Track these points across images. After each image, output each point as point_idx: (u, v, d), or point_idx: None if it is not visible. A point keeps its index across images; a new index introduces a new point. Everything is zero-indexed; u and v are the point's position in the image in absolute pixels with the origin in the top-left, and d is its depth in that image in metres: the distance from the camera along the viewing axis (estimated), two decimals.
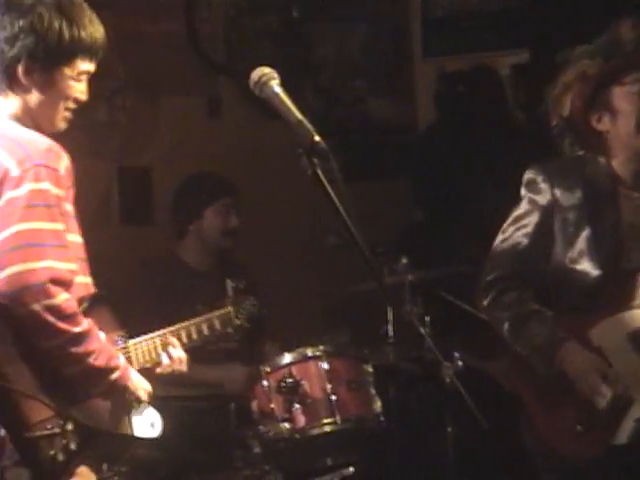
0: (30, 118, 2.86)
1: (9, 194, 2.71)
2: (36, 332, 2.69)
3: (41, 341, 2.69)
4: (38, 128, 2.86)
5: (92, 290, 2.89)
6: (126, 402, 2.88)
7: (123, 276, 4.42)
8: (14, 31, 2.80)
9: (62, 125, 2.91)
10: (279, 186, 5.23)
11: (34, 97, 2.84)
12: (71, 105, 2.89)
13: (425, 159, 5.69)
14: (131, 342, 2.97)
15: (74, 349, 2.71)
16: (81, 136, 4.77)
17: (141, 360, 2.99)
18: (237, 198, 4.56)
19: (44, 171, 2.73)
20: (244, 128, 5.31)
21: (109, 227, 5.02)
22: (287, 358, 3.92)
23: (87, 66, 2.89)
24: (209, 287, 4.30)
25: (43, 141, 2.79)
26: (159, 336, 3.07)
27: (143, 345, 3.01)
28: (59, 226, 2.73)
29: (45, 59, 2.81)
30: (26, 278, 2.66)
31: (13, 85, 2.84)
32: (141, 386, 2.90)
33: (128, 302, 3.86)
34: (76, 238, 2.85)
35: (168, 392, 3.61)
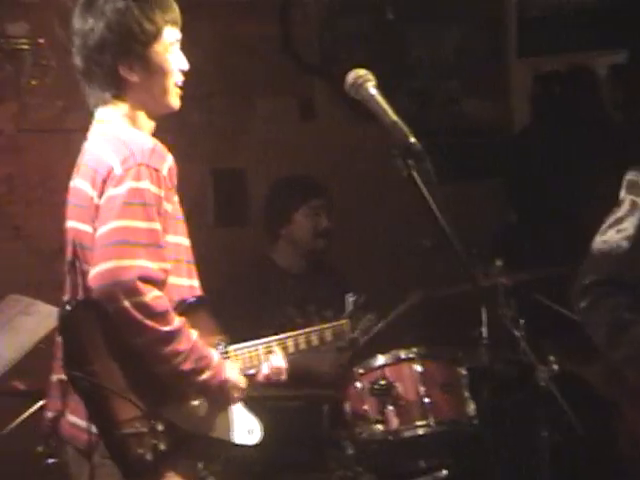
0: (144, 110, 2.90)
1: (110, 191, 2.77)
2: (125, 328, 2.72)
3: (130, 338, 2.72)
4: (154, 115, 2.92)
5: (196, 293, 2.92)
6: (223, 404, 2.88)
7: (217, 278, 4.46)
8: (98, 36, 2.84)
9: (176, 102, 2.95)
10: (372, 188, 5.22)
11: (142, 88, 2.88)
12: (178, 78, 2.93)
13: (520, 160, 5.63)
14: (232, 347, 2.96)
15: (162, 348, 2.73)
16: (175, 138, 4.85)
17: (241, 367, 2.97)
18: (327, 200, 4.55)
19: (145, 170, 2.76)
20: (337, 130, 5.31)
21: (204, 229, 5.05)
22: (380, 360, 3.92)
23: (174, 35, 2.91)
24: (301, 290, 4.32)
25: (148, 141, 2.84)
26: (263, 344, 3.04)
27: (245, 352, 2.99)
28: (155, 225, 2.76)
29: (136, 48, 2.85)
30: (117, 274, 2.69)
31: (119, 89, 2.88)
32: (237, 386, 2.89)
33: (222, 304, 3.90)
34: (178, 239, 2.87)
35: (263, 392, 3.63)
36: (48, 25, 4.51)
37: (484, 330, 4.28)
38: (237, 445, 2.92)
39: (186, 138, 4.91)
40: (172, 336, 2.73)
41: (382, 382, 3.84)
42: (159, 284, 2.73)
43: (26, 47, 4.42)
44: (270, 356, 3.03)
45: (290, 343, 3.12)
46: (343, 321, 3.38)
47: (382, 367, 3.90)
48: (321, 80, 5.33)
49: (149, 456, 2.72)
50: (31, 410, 3.67)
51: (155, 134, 2.95)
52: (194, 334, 2.80)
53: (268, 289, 4.34)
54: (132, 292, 2.68)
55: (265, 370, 3.02)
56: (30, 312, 3.72)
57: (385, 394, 3.83)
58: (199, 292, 2.94)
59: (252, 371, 3.00)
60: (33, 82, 4.46)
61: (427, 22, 5.62)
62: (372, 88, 2.62)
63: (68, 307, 2.77)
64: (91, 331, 2.75)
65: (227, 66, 5.00)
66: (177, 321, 2.75)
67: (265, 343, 3.04)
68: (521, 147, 5.71)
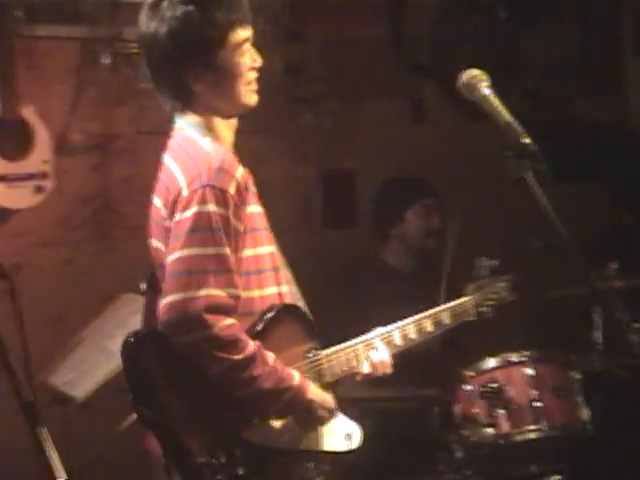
0: (218, 115, 2.84)
1: (178, 216, 2.72)
2: (197, 361, 2.67)
3: (204, 369, 2.68)
4: (229, 116, 2.86)
5: (284, 300, 2.86)
6: (309, 419, 2.82)
7: (325, 279, 4.48)
8: (161, 46, 2.77)
9: (253, 99, 2.86)
10: (483, 189, 5.18)
11: (211, 95, 2.81)
12: (251, 77, 2.84)
13: (636, 160, 5.53)
14: (325, 353, 2.90)
15: (238, 375, 2.68)
16: (286, 139, 4.91)
17: (337, 371, 2.91)
18: (438, 199, 4.55)
19: (210, 193, 2.69)
20: (448, 131, 5.29)
21: (312, 230, 5.09)
22: (491, 363, 3.88)
23: (242, 35, 2.80)
24: (412, 289, 4.31)
25: (216, 158, 2.75)
26: (363, 343, 2.99)
27: (341, 354, 2.93)
28: (222, 250, 2.69)
29: (201, 57, 2.76)
30: (183, 307, 2.64)
31: (187, 99, 2.82)
32: (323, 405, 2.82)
33: (329, 305, 3.92)
34: (260, 250, 2.81)
35: (373, 393, 3.63)
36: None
37: (598, 334, 4.22)
38: (333, 452, 2.89)
39: (296, 139, 4.94)
40: (246, 363, 2.68)
41: (492, 385, 3.80)
42: (229, 311, 2.68)
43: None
44: (370, 352, 2.98)
45: (396, 335, 3.06)
46: (466, 299, 3.34)
47: (492, 370, 3.86)
48: (432, 81, 5.31)
49: None
50: None
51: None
52: (271, 357, 2.73)
53: (378, 289, 4.34)
54: (200, 325, 2.63)
55: (365, 369, 2.97)
56: None
57: (495, 397, 3.79)
58: (288, 299, 2.88)
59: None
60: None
61: (541, 21, 5.56)
62: (485, 88, 2.60)
63: (131, 339, 2.73)
64: (156, 362, 2.71)
65: (338, 67, 5.01)
66: (250, 347, 2.69)
67: (365, 340, 3.00)
68: (637, 146, 5.61)
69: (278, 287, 2.86)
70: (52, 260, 4.49)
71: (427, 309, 3.28)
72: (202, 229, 2.68)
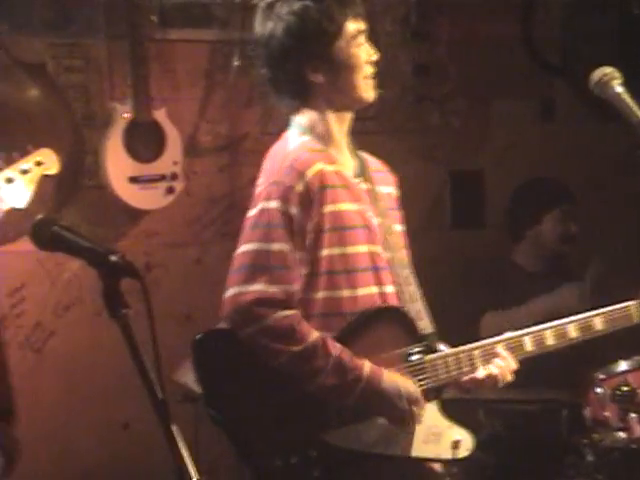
0: (335, 108, 2.85)
1: (249, 213, 2.79)
2: (259, 354, 2.68)
3: (268, 362, 2.68)
4: (347, 109, 2.86)
5: (388, 300, 2.82)
6: (389, 412, 2.75)
7: (452, 279, 4.45)
8: (280, 43, 2.82)
9: (370, 94, 2.87)
10: (615, 190, 5.09)
11: (330, 87, 2.83)
12: (368, 71, 2.86)
13: None
14: (429, 357, 2.82)
15: (299, 367, 2.68)
16: (414, 139, 4.89)
17: (442, 376, 2.82)
18: (576, 205, 4.50)
19: (275, 190, 2.74)
20: (578, 131, 5.20)
21: (440, 230, 5.06)
22: (623, 366, 3.79)
23: (356, 27, 2.84)
24: (541, 291, 4.25)
25: (291, 157, 2.79)
26: (481, 347, 2.88)
27: (448, 360, 2.83)
28: (280, 246, 2.70)
29: (319, 50, 2.80)
30: (237, 301, 2.70)
31: (308, 92, 2.85)
32: (402, 395, 2.74)
33: (455, 304, 3.89)
34: (349, 250, 2.77)
35: (500, 394, 3.58)
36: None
37: None
38: (432, 459, 2.82)
39: (425, 139, 4.93)
40: (306, 355, 2.66)
41: (624, 388, 3.72)
42: (282, 305, 2.68)
43: None
44: (494, 359, 2.86)
45: (527, 340, 2.91)
46: (631, 303, 3.13)
47: (624, 373, 3.77)
48: (562, 80, 5.23)
49: None
50: None
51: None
52: (336, 348, 2.69)
53: (508, 289, 4.30)
54: (252, 318, 2.67)
55: (481, 374, 2.85)
56: None
57: (628, 401, 3.71)
58: (394, 299, 2.83)
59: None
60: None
61: None
62: (618, 86, 2.55)
63: (198, 337, 2.78)
64: (225, 359, 2.75)
65: (466, 67, 4.97)
66: (311, 338, 2.67)
67: (484, 345, 2.88)
68: None
69: (380, 287, 2.82)
70: (181, 260, 4.56)
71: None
72: (262, 225, 2.73)
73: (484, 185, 5.14)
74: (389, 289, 2.84)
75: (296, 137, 2.86)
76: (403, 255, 2.91)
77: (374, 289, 2.81)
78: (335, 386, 2.69)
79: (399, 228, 2.96)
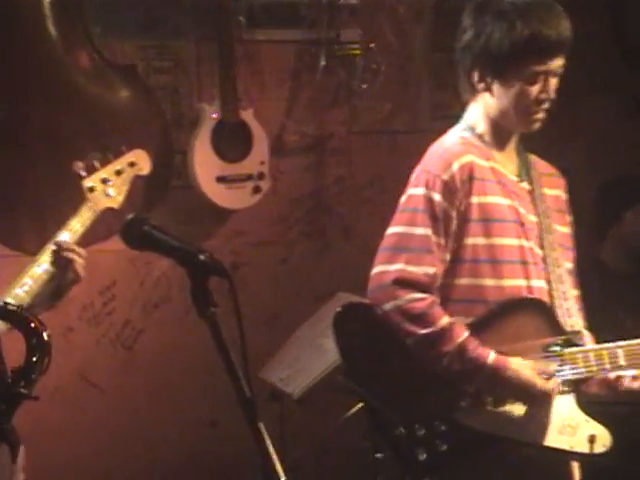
0: (490, 121, 2.92)
1: (401, 198, 2.92)
2: (394, 331, 2.80)
3: (401, 340, 2.80)
4: (500, 127, 2.91)
5: (534, 294, 2.88)
6: (517, 398, 2.80)
7: None
8: (466, 39, 2.90)
9: (531, 126, 2.91)
10: None
11: (492, 101, 2.90)
12: (535, 107, 2.87)
13: None
14: (569, 350, 2.85)
15: (426, 350, 2.80)
16: None
17: (581, 370, 2.84)
18: None
19: (423, 177, 2.86)
20: None
21: None
22: None
23: (542, 63, 2.84)
24: (631, 292, 4.19)
25: (443, 147, 2.91)
26: (625, 347, 2.86)
27: (590, 354, 2.85)
28: (424, 231, 2.82)
29: (490, 64, 2.86)
30: (379, 279, 2.83)
31: (474, 93, 2.94)
32: (529, 383, 2.78)
33: None
34: (498, 241, 2.86)
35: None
36: (379, 29, 4.62)
37: None
38: (566, 451, 2.82)
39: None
40: (433, 338, 2.78)
41: None
42: (420, 287, 2.80)
43: (358, 52, 4.54)
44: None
45: None
46: None
47: None
48: None
49: (422, 456, 2.76)
50: (356, 407, 3.77)
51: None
52: (462, 334, 2.79)
53: (595, 289, 4.24)
54: (389, 296, 2.80)
55: (629, 373, 2.87)
56: None
57: None
58: (540, 294, 2.88)
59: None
60: (363, 86, 4.58)
61: None
62: None
63: (339, 309, 2.96)
64: (363, 333, 2.90)
65: None
66: (440, 323, 2.78)
67: (627, 346, 2.86)
68: None
69: (527, 280, 2.89)
70: (268, 259, 4.59)
71: None
72: (409, 210, 2.87)
73: (572, 183, 5.08)
74: (538, 284, 2.91)
75: (457, 132, 2.97)
76: (559, 254, 2.97)
77: (521, 282, 2.89)
78: (458, 371, 2.78)
79: (562, 229, 3.02)
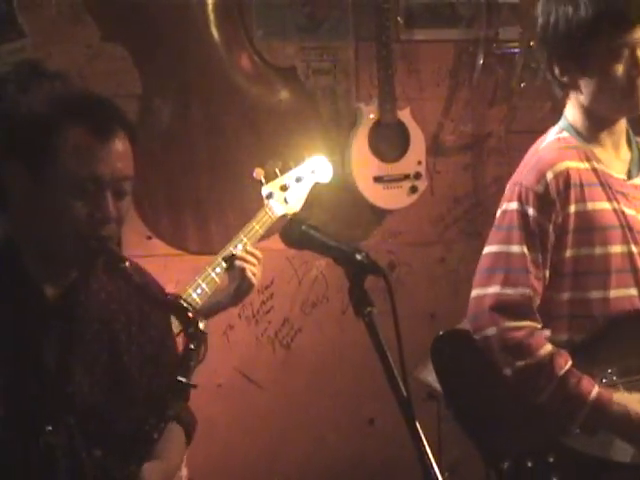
0: (591, 113, 2.73)
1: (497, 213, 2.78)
2: (490, 359, 2.68)
3: (499, 368, 2.67)
4: (604, 117, 2.73)
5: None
6: (626, 436, 2.66)
7: None
8: (541, 34, 2.75)
9: (633, 108, 2.70)
10: None
11: (584, 90, 2.71)
12: (629, 85, 2.65)
13: None
14: (624, 379, 2.68)
15: (522, 382, 2.65)
16: None
17: None
18: None
19: (516, 190, 2.70)
20: None
21: None
22: None
23: (618, 40, 2.64)
24: None
25: (537, 156, 2.73)
26: None
27: None
28: (519, 248, 2.66)
29: (568, 50, 2.68)
30: (476, 304, 2.70)
31: (566, 90, 2.76)
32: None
33: None
34: (599, 250, 2.69)
35: None
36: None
37: None
38: None
39: None
40: (530, 371, 2.63)
41: None
42: (518, 310, 2.65)
43: (517, 50, 4.50)
44: None
45: None
46: None
47: None
48: None
49: None
50: None
51: None
52: (563, 367, 2.63)
53: None
54: (487, 323, 2.66)
55: None
56: None
57: None
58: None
59: None
60: (522, 84, 4.53)
61: None
62: None
63: (440, 333, 2.85)
64: (464, 360, 2.78)
65: None
66: (540, 354, 2.63)
67: None
68: None
69: (627, 290, 2.71)
70: (425, 259, 4.58)
71: None
72: (503, 227, 2.72)
73: None
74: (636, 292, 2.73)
75: (555, 133, 2.79)
76: None
77: (633, 291, 2.72)
78: (559, 408, 2.65)
79: None
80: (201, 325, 2.21)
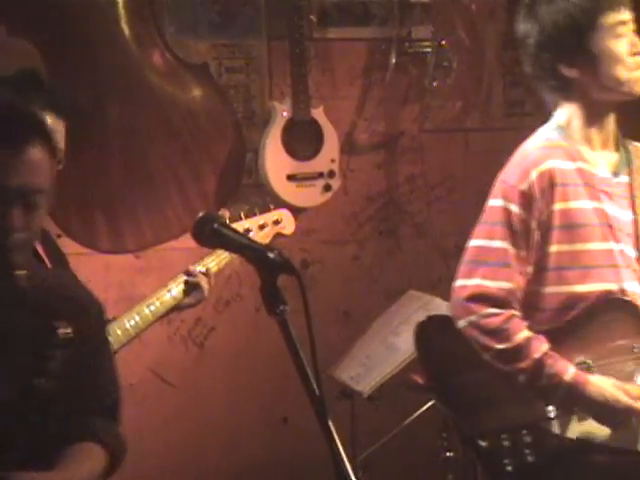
0: (596, 105, 2.82)
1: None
2: (473, 344, 2.78)
3: (480, 353, 2.77)
4: (611, 106, 2.83)
5: (625, 296, 2.79)
6: (600, 418, 2.73)
7: None
8: (535, 40, 2.82)
9: (636, 88, 2.80)
10: None
11: (589, 82, 2.80)
12: (631, 62, 2.78)
13: None
14: (601, 362, 2.77)
15: (503, 365, 2.75)
16: None
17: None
18: None
19: (501, 187, 2.81)
20: None
21: None
22: None
23: (613, 18, 2.78)
24: None
25: (522, 154, 2.83)
26: None
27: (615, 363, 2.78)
28: (502, 244, 2.76)
29: (571, 43, 2.78)
30: (457, 294, 2.80)
31: (565, 88, 2.84)
32: (609, 402, 2.71)
33: None
34: (579, 247, 2.78)
35: None
36: (450, 27, 4.60)
37: None
38: None
39: None
40: (509, 353, 2.73)
41: None
42: (496, 302, 2.75)
43: (429, 49, 4.53)
44: None
45: None
46: None
47: None
48: None
49: (510, 467, 2.69)
50: (428, 405, 3.76)
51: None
52: (540, 349, 2.73)
53: None
54: (466, 311, 2.77)
55: None
56: (429, 308, 3.82)
57: None
58: (633, 296, 2.79)
59: None
60: (435, 84, 4.56)
61: None
62: None
63: (423, 320, 2.99)
64: (445, 345, 2.90)
65: None
66: (518, 337, 2.73)
67: None
68: None
69: (619, 284, 2.79)
70: (338, 257, 4.59)
71: None
72: (487, 222, 2.81)
73: None
74: (631, 286, 2.81)
75: (544, 132, 2.88)
76: None
77: (612, 286, 2.80)
78: (536, 388, 2.74)
79: None
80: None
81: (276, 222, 3.41)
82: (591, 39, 2.77)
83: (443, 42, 4.48)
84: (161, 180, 4.18)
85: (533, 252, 2.78)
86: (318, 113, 4.36)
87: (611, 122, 2.88)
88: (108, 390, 2.27)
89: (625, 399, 2.72)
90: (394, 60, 4.51)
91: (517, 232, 2.76)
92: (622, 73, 2.78)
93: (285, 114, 4.30)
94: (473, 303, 2.76)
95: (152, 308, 3.24)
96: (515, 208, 2.76)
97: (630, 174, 2.87)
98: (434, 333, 2.98)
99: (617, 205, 2.84)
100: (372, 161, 4.62)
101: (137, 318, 3.21)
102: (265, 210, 3.40)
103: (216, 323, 4.41)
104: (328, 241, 4.56)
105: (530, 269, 2.78)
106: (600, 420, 2.74)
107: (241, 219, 3.34)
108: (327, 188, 4.39)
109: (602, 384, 2.73)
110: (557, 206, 2.77)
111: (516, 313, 2.77)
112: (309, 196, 4.38)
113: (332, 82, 4.50)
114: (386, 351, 3.92)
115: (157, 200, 4.17)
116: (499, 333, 2.74)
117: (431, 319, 3.07)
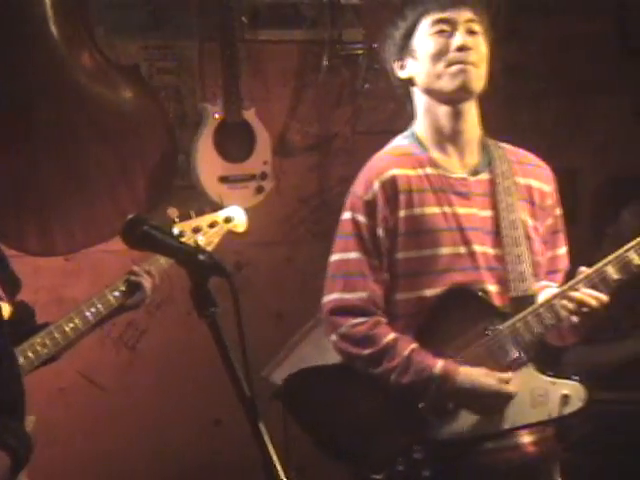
0: (436, 100, 2.86)
1: None
2: (344, 360, 2.83)
3: (350, 366, 2.82)
4: (444, 100, 2.85)
5: (508, 299, 2.80)
6: (473, 407, 2.76)
7: None
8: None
9: (452, 83, 2.81)
10: None
11: (419, 80, 2.87)
12: (450, 57, 2.81)
13: None
14: (506, 324, 2.74)
15: (375, 369, 2.78)
16: (505, 139, 4.84)
17: (527, 337, 2.75)
18: None
19: (350, 200, 2.87)
20: None
21: None
22: None
23: (430, 19, 2.85)
24: (627, 292, 4.17)
25: (368, 166, 2.90)
26: (559, 295, 2.76)
27: (528, 319, 2.75)
28: (355, 255, 2.82)
29: (398, 45, 2.89)
30: (323, 310, 2.86)
31: (410, 93, 2.91)
32: (479, 391, 2.74)
33: None
34: (427, 252, 2.79)
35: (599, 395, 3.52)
36: (381, 29, 4.62)
37: None
38: (544, 422, 2.77)
39: (515, 139, 4.87)
40: (378, 356, 2.77)
41: None
42: (357, 312, 2.79)
43: (361, 52, 4.54)
44: (571, 294, 2.76)
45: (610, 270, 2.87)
46: None
47: None
48: None
49: None
50: None
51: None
52: (407, 348, 2.76)
53: None
54: (332, 325, 2.83)
55: (574, 319, 2.76)
56: None
57: None
58: (496, 298, 2.81)
59: None
60: (366, 86, 4.58)
61: None
62: None
63: (285, 379, 3.03)
64: (314, 396, 2.95)
65: (558, 65, 4.92)
66: (383, 341, 2.77)
67: (562, 291, 2.77)
68: None
69: (492, 286, 2.80)
70: (271, 259, 4.59)
71: None
72: (340, 235, 2.88)
73: (576, 184, 5.07)
74: (492, 288, 2.81)
75: (396, 141, 2.95)
76: (524, 248, 2.84)
77: (491, 286, 2.81)
78: (410, 385, 2.75)
79: (523, 217, 2.88)
80: None
81: (227, 220, 3.40)
82: (413, 41, 2.87)
83: (374, 44, 4.50)
84: (92, 182, 4.15)
85: (385, 259, 2.81)
86: (250, 115, 4.35)
87: (466, 122, 2.88)
88: (7, 385, 2.21)
89: (494, 383, 2.74)
90: (326, 62, 4.53)
91: (367, 241, 2.81)
92: (438, 67, 2.83)
93: (217, 116, 4.29)
94: (337, 317, 2.81)
95: (93, 310, 3.20)
96: (362, 218, 2.82)
97: (491, 172, 2.88)
98: (298, 390, 2.99)
99: (476, 205, 2.84)
100: (305, 163, 4.63)
101: (77, 320, 3.15)
102: (216, 208, 3.39)
103: (148, 326, 4.39)
104: (261, 243, 4.56)
105: (387, 276, 2.82)
106: (474, 409, 2.76)
107: (191, 217, 3.32)
108: (260, 190, 4.38)
109: (471, 372, 2.75)
110: (402, 213, 2.80)
111: (381, 319, 2.81)
112: (241, 198, 4.36)
113: (264, 84, 4.50)
114: (319, 353, 3.91)
115: (87, 202, 4.14)
116: (367, 339, 2.77)
117: (291, 378, 3.03)
